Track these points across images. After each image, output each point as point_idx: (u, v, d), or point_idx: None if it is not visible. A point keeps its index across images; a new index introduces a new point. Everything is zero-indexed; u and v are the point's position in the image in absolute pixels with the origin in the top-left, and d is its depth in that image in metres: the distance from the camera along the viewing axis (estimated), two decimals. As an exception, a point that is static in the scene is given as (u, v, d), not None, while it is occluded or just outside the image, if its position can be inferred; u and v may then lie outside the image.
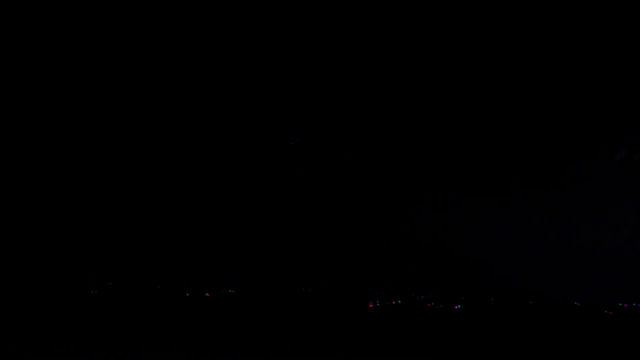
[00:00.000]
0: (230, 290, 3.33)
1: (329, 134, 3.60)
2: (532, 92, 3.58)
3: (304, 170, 3.54)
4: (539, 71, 3.48)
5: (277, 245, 3.41)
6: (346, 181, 3.60)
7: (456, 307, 3.32)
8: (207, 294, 3.42)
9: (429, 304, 3.35)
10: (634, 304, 3.05)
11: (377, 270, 3.38)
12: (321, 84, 3.59)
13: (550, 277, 3.23)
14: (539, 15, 3.48)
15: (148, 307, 3.42)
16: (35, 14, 3.47)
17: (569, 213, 3.32)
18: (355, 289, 3.35)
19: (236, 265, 3.45)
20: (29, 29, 3.48)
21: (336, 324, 3.27)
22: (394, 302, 3.34)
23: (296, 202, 3.57)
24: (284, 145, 3.54)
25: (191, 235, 3.51)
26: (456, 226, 3.39)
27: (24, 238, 3.39)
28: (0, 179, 3.43)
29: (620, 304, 3.08)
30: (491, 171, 3.38)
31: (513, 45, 3.57)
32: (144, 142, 3.58)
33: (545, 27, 3.52)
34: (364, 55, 3.65)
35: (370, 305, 3.34)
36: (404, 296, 3.36)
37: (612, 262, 3.19)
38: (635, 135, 3.22)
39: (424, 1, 3.49)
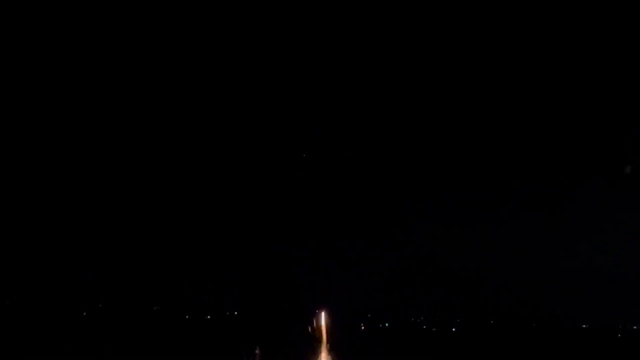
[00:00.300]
0: (233, 312, 3.34)
1: (329, 134, 3.61)
2: (534, 111, 3.60)
3: (304, 170, 3.55)
4: (540, 94, 3.51)
5: (275, 250, 3.42)
6: (346, 181, 3.61)
7: (452, 330, 3.32)
8: (207, 316, 3.43)
9: (424, 326, 3.35)
10: (635, 327, 3.05)
11: (374, 291, 3.39)
12: (321, 84, 3.61)
13: (551, 298, 3.24)
14: (541, 31, 3.50)
15: (147, 328, 3.44)
16: (36, 14, 3.49)
17: (570, 233, 3.34)
18: (352, 310, 3.35)
19: (235, 265, 3.46)
20: (29, 29, 3.50)
21: (332, 344, 3.29)
22: (387, 325, 3.34)
23: (296, 203, 3.58)
24: (284, 145, 3.55)
25: (189, 236, 3.52)
26: (455, 247, 3.40)
27: (25, 239, 3.41)
28: (1, 180, 3.45)
29: (623, 327, 3.08)
30: (491, 191, 3.40)
31: (512, 69, 3.60)
32: (145, 147, 3.59)
33: (545, 48, 3.54)
34: (364, 56, 3.67)
35: (363, 328, 3.35)
36: (399, 318, 3.36)
37: (614, 280, 3.21)
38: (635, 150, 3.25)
39: (425, 2, 3.50)
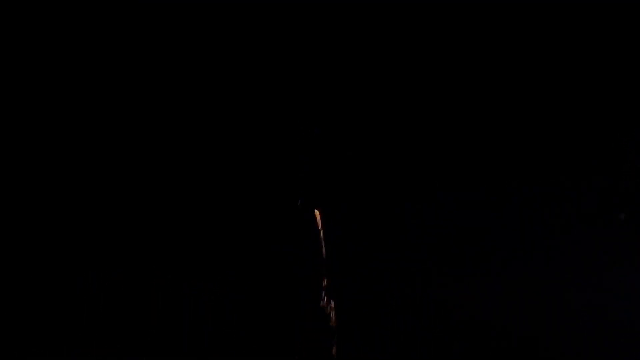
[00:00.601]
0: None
1: (329, 134, 3.59)
2: (534, 111, 3.57)
3: (303, 170, 3.53)
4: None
5: (273, 261, 3.40)
6: (346, 181, 3.59)
7: None
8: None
9: None
10: None
11: (369, 330, 3.36)
12: (321, 84, 3.59)
13: (551, 341, 3.21)
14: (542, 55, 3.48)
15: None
16: (36, 14, 3.47)
17: (568, 277, 3.31)
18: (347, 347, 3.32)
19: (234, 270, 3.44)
20: (29, 29, 3.48)
21: None
22: None
23: (295, 204, 3.57)
24: (283, 145, 3.53)
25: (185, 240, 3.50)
26: (454, 287, 3.37)
27: (24, 238, 3.39)
28: (0, 179, 3.43)
29: None
30: (490, 232, 3.38)
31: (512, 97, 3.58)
32: (144, 144, 3.58)
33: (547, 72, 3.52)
34: (363, 55, 3.65)
35: None
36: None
37: (612, 325, 3.17)
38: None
39: (424, 1, 3.49)
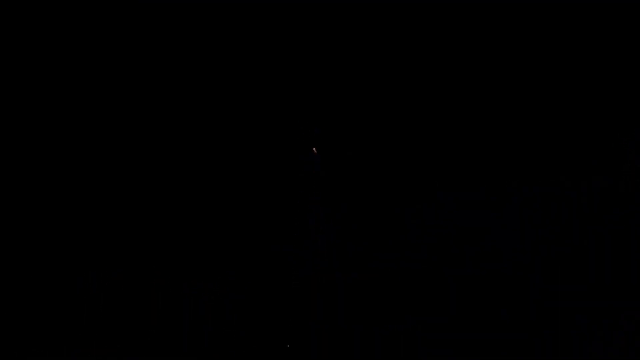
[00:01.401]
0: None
1: (329, 134, 3.59)
2: (533, 110, 3.57)
3: (303, 170, 3.53)
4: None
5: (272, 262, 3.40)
6: (346, 181, 3.59)
7: None
8: None
9: None
10: None
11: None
12: (321, 84, 3.59)
13: (550, 341, 3.21)
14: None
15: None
16: (35, 14, 3.47)
17: (568, 277, 3.30)
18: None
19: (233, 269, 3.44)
20: (29, 29, 3.48)
21: None
22: None
23: (293, 204, 3.56)
24: (283, 145, 3.53)
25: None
26: (454, 287, 3.37)
27: (24, 238, 3.39)
28: (0, 179, 3.43)
29: None
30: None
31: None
32: (144, 143, 3.58)
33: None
34: (363, 55, 3.64)
35: None
36: None
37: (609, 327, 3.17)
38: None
39: (424, 1, 3.48)
